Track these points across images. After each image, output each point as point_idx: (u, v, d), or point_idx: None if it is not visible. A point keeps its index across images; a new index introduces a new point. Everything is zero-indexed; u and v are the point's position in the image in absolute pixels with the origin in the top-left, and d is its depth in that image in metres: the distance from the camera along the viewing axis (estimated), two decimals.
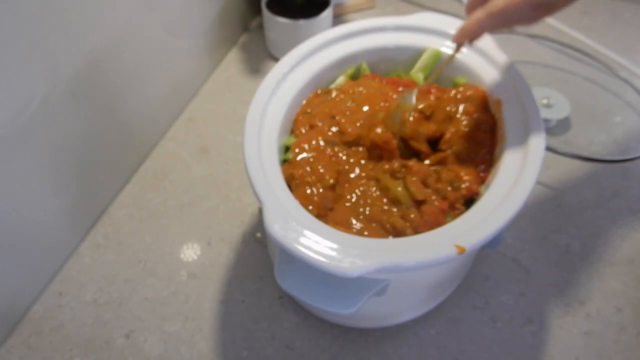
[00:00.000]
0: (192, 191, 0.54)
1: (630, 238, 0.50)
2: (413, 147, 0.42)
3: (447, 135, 0.42)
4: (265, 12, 0.63)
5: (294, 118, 0.43)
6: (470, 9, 0.39)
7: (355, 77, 0.46)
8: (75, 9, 0.41)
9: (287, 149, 0.42)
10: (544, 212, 0.52)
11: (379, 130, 0.40)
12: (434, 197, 0.38)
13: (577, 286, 0.47)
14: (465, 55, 0.44)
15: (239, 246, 0.50)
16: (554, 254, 0.49)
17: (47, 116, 0.42)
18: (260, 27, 0.71)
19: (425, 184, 0.39)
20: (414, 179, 0.39)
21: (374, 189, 0.39)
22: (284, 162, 0.40)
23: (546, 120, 0.56)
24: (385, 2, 0.74)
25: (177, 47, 0.57)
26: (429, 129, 0.42)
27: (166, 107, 0.59)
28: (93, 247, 0.50)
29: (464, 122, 0.41)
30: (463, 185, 0.38)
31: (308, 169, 0.39)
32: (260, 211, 0.52)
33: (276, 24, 0.62)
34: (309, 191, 0.38)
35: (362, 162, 0.41)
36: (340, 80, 0.46)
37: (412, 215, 0.37)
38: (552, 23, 0.68)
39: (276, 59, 0.65)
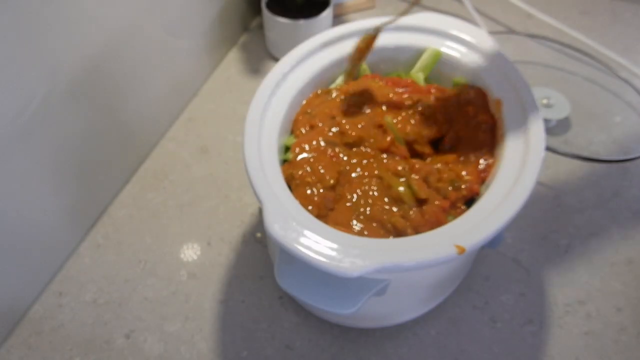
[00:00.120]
0: (192, 191, 0.54)
1: (630, 238, 0.50)
2: (416, 150, 0.42)
3: (448, 136, 0.42)
4: (265, 12, 0.63)
5: (294, 118, 0.43)
6: None
7: (355, 77, 0.46)
8: (75, 8, 0.41)
9: (287, 149, 0.42)
10: (544, 212, 0.52)
11: (388, 138, 0.41)
12: (435, 197, 0.38)
13: (577, 286, 0.47)
14: (466, 55, 0.44)
15: (239, 246, 0.50)
16: (554, 254, 0.49)
17: (47, 116, 0.42)
18: (260, 27, 0.71)
19: (426, 182, 0.39)
20: (416, 177, 0.39)
21: (375, 188, 0.39)
22: (284, 162, 0.40)
23: (546, 120, 0.56)
24: (385, 2, 0.74)
25: (177, 47, 0.57)
26: (431, 131, 0.42)
27: (166, 107, 0.59)
28: (93, 247, 0.50)
29: (464, 123, 0.42)
30: (463, 186, 0.38)
31: (308, 169, 0.39)
32: (260, 211, 0.52)
33: (276, 24, 0.62)
34: (309, 191, 0.38)
35: (364, 162, 0.41)
36: (340, 80, 0.46)
37: (413, 215, 0.37)
38: (552, 23, 0.68)
39: (276, 59, 0.65)
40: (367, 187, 0.39)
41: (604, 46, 0.64)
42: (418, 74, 0.45)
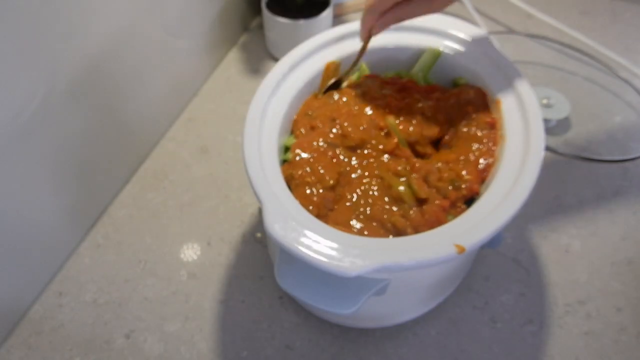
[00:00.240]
0: (192, 191, 0.54)
1: (630, 238, 0.50)
2: (418, 151, 0.42)
3: (448, 135, 0.42)
4: (265, 12, 0.63)
5: (294, 118, 0.43)
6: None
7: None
8: (75, 8, 0.41)
9: (286, 149, 0.42)
10: (544, 212, 0.52)
11: (394, 140, 0.41)
12: (435, 196, 0.38)
13: (577, 286, 0.47)
14: (466, 55, 0.44)
15: (239, 246, 0.50)
16: (554, 254, 0.49)
17: (47, 116, 0.42)
18: (260, 27, 0.71)
19: (427, 181, 0.39)
20: (416, 176, 0.39)
21: (375, 187, 0.39)
22: (284, 162, 0.40)
23: (546, 120, 0.56)
24: None
25: (177, 47, 0.57)
26: (432, 131, 0.42)
27: (166, 107, 0.59)
28: (93, 247, 0.50)
29: (464, 123, 0.42)
30: (463, 185, 0.38)
31: (308, 169, 0.39)
32: (260, 211, 0.52)
33: (276, 24, 0.62)
34: (308, 191, 0.38)
35: (365, 163, 0.40)
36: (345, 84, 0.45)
37: (414, 215, 0.37)
38: (552, 23, 0.68)
39: (276, 59, 0.65)
40: (367, 187, 0.39)
41: (604, 46, 0.64)
42: (418, 74, 0.45)
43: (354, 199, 0.39)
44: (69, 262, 0.49)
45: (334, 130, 0.41)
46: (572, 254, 0.49)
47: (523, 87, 0.40)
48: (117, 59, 0.48)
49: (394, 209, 0.38)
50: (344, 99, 0.43)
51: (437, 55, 0.45)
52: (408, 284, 0.40)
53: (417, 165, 0.40)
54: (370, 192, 0.39)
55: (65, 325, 0.46)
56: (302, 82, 0.43)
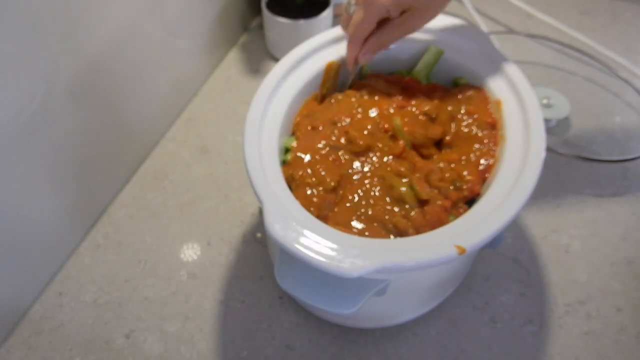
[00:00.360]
0: (192, 191, 0.54)
1: (630, 238, 0.50)
2: (422, 153, 0.42)
3: (449, 136, 0.42)
4: (265, 12, 0.63)
5: (294, 119, 0.43)
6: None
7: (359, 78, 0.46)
8: (75, 8, 0.41)
9: (287, 150, 0.42)
10: (544, 212, 0.52)
11: (400, 143, 0.41)
12: (437, 197, 0.38)
13: (577, 286, 0.47)
14: (466, 55, 0.44)
15: (239, 246, 0.50)
16: (554, 254, 0.49)
17: (47, 116, 0.42)
18: (260, 27, 0.71)
19: (428, 180, 0.39)
20: (418, 175, 0.39)
21: (377, 188, 0.39)
22: (284, 163, 0.40)
23: (546, 120, 0.56)
24: None
25: (177, 47, 0.57)
26: (436, 132, 0.42)
27: (166, 107, 0.59)
28: (93, 247, 0.50)
29: (465, 123, 0.42)
30: (465, 186, 0.38)
31: (309, 170, 0.39)
32: (260, 211, 0.52)
33: (276, 24, 0.62)
34: (309, 192, 0.38)
35: (366, 168, 0.40)
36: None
37: (415, 215, 0.37)
38: (552, 23, 0.68)
39: (276, 59, 0.65)
40: (368, 187, 0.39)
41: (604, 46, 0.64)
42: (420, 73, 0.45)
43: (355, 200, 0.39)
44: (69, 262, 0.49)
45: (337, 132, 0.41)
46: (572, 254, 0.49)
47: (523, 87, 0.40)
48: (117, 59, 0.48)
49: (396, 209, 0.38)
50: (352, 99, 0.43)
51: (439, 54, 0.45)
52: (408, 284, 0.40)
53: (419, 164, 0.39)
54: (372, 193, 0.39)
55: (65, 325, 0.46)
56: (303, 82, 0.43)
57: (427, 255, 0.32)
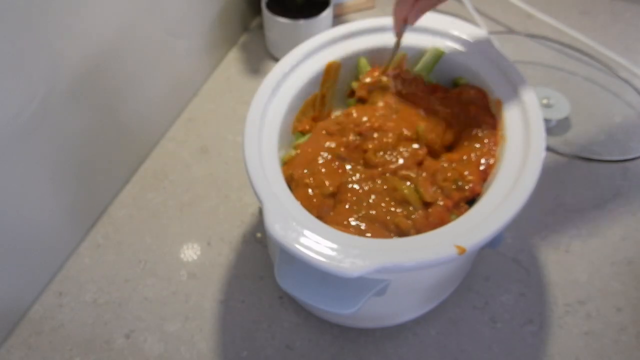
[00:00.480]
0: (192, 191, 0.54)
1: (630, 238, 0.50)
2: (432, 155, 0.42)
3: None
4: (265, 12, 0.63)
5: (294, 119, 0.43)
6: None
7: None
8: (75, 8, 0.41)
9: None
10: (544, 212, 0.52)
11: (422, 150, 0.40)
12: (440, 198, 0.38)
13: (577, 286, 0.47)
14: (466, 55, 0.44)
15: (239, 246, 0.50)
16: (554, 254, 0.49)
17: (47, 116, 0.42)
18: (260, 27, 0.71)
19: (434, 180, 0.39)
20: (424, 174, 0.39)
21: (379, 189, 0.39)
22: (284, 163, 0.40)
23: (546, 120, 0.56)
24: (385, 2, 0.74)
25: (177, 47, 0.57)
26: (450, 137, 0.42)
27: (166, 107, 0.59)
28: (93, 247, 0.50)
29: (466, 122, 0.42)
30: (467, 186, 0.38)
31: (306, 171, 0.39)
32: (260, 211, 0.52)
33: (276, 24, 0.62)
34: (309, 192, 0.38)
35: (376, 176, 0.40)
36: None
37: (418, 216, 0.37)
38: (552, 23, 0.68)
39: (276, 59, 0.65)
40: (370, 188, 0.39)
41: (604, 46, 0.64)
42: (421, 73, 0.45)
43: (356, 200, 0.39)
44: (69, 262, 0.49)
45: (350, 143, 0.41)
46: (572, 254, 0.49)
47: (523, 87, 0.40)
48: (117, 59, 0.48)
49: (398, 210, 0.38)
50: (380, 103, 0.42)
51: (440, 54, 0.45)
52: (408, 284, 0.40)
53: (426, 163, 0.39)
54: (373, 195, 0.39)
55: (65, 325, 0.46)
56: (303, 82, 0.43)
57: (427, 255, 0.32)
